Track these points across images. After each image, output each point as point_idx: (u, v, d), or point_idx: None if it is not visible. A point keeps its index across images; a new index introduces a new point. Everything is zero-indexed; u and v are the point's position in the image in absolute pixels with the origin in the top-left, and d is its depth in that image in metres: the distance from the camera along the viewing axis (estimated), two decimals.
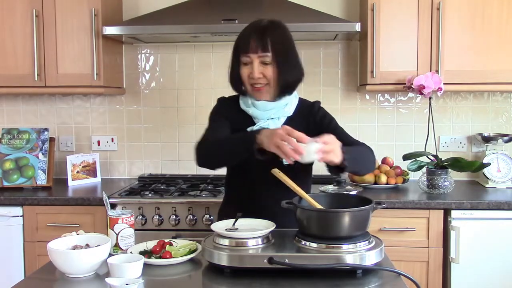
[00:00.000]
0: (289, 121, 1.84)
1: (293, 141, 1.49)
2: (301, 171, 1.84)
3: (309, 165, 1.92)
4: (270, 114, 1.82)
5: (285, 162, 1.73)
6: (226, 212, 1.88)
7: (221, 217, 1.91)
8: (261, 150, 1.58)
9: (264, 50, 1.75)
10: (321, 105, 1.95)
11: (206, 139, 1.81)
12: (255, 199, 1.84)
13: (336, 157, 1.56)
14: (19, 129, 2.99)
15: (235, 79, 1.84)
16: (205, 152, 1.78)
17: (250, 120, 1.85)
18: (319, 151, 1.52)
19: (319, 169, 3.34)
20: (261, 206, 1.77)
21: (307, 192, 1.65)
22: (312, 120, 1.89)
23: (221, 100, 1.97)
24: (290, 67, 1.80)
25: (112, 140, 3.27)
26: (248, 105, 1.85)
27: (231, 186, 2.00)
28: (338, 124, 1.92)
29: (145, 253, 1.56)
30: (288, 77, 1.79)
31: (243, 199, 1.89)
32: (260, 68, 1.77)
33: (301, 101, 1.92)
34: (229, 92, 3.24)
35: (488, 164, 2.76)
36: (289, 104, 1.85)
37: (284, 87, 1.81)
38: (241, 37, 1.82)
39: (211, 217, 2.56)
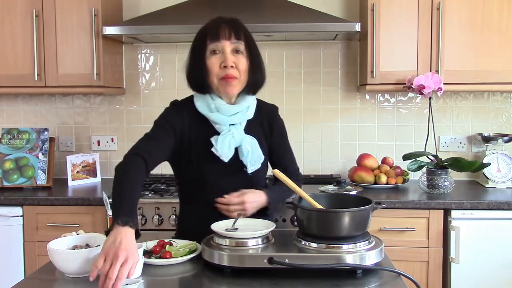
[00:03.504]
0: (249, 125, 1.74)
1: (116, 274, 1.25)
2: (260, 179, 1.80)
3: (266, 171, 1.84)
4: (234, 119, 1.69)
5: (250, 171, 1.71)
6: (184, 230, 1.77)
7: (181, 234, 1.76)
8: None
9: (238, 37, 1.62)
10: (280, 112, 1.87)
11: (127, 165, 1.59)
12: (211, 215, 1.67)
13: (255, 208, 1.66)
14: (19, 129, 2.99)
15: (200, 74, 1.65)
16: (115, 178, 1.56)
17: (210, 126, 1.70)
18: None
19: (319, 169, 3.35)
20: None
21: None
22: (271, 127, 1.80)
23: (176, 105, 1.77)
24: (260, 65, 1.70)
25: (112, 140, 3.27)
26: (211, 110, 1.69)
27: (186, 202, 1.84)
28: (288, 143, 1.87)
29: (145, 253, 1.56)
30: (258, 75, 1.69)
31: (199, 216, 1.73)
32: (232, 57, 1.62)
33: (259, 103, 1.80)
34: None
35: (488, 164, 2.76)
36: (250, 107, 1.73)
37: (253, 85, 1.69)
38: (206, 27, 1.67)
39: None
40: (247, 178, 1.72)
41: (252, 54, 1.66)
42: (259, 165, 1.73)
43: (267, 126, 1.79)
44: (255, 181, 1.74)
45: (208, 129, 1.70)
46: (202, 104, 1.71)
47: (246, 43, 1.64)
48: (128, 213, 1.42)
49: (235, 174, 1.72)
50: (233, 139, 1.67)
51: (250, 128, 1.75)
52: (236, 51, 1.63)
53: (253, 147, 1.70)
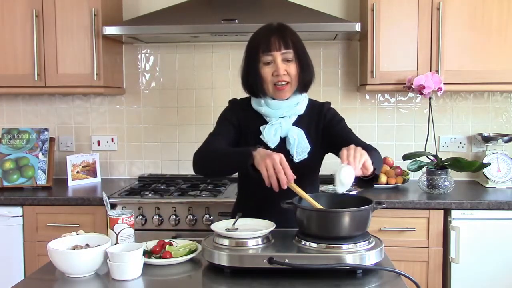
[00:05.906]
0: (300, 120, 1.87)
1: (283, 171, 1.51)
2: (310, 171, 1.89)
3: (318, 165, 1.95)
4: (282, 113, 1.83)
5: (296, 159, 1.80)
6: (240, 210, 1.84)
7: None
8: (254, 167, 1.58)
9: (286, 47, 1.77)
10: (331, 106, 1.97)
11: (205, 147, 1.82)
12: (269, 198, 1.77)
13: (370, 164, 1.55)
14: (19, 129, 2.99)
15: (255, 82, 1.82)
16: (202, 161, 1.80)
17: (263, 119, 1.87)
18: (350, 174, 1.49)
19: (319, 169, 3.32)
20: (278, 206, 1.70)
21: (315, 190, 1.65)
22: (322, 119, 1.91)
23: (232, 102, 1.97)
24: (308, 65, 1.84)
25: (112, 140, 3.27)
26: (261, 104, 1.86)
27: (244, 186, 2.00)
28: (347, 125, 1.94)
29: (145, 253, 1.56)
30: (307, 75, 1.84)
31: (258, 198, 1.86)
32: (283, 65, 1.78)
33: (311, 101, 1.94)
34: (229, 91, 3.24)
35: (488, 164, 2.76)
36: (300, 103, 1.87)
37: (304, 85, 1.85)
38: (258, 39, 1.82)
39: (211, 217, 2.56)
40: (294, 168, 1.71)
41: (300, 59, 1.81)
42: (306, 155, 1.82)
43: (317, 120, 1.91)
44: (302, 171, 1.73)
45: (261, 122, 1.87)
46: (255, 101, 1.89)
47: (294, 50, 1.79)
48: (246, 148, 1.67)
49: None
50: (280, 128, 1.83)
51: (301, 122, 1.87)
52: (286, 60, 1.79)
53: (299, 137, 1.83)
